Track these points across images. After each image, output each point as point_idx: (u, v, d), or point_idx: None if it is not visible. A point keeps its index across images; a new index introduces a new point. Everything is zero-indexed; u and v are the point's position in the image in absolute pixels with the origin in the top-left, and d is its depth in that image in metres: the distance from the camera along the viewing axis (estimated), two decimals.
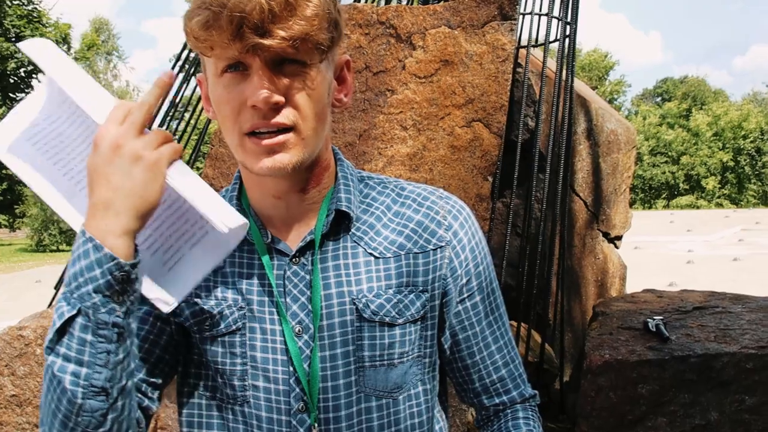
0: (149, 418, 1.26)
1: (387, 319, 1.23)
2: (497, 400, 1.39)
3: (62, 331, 1.01)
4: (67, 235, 32.56)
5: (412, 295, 1.25)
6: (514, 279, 4.06)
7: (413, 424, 1.28)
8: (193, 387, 1.30)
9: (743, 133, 49.72)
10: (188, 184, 1.06)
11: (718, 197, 50.08)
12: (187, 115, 5.42)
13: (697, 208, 47.05)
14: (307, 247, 1.24)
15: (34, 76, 27.66)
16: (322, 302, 1.22)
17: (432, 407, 1.33)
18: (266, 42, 1.04)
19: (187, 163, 5.50)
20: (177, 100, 5.27)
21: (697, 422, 3.09)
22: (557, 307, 4.15)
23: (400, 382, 1.26)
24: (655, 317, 3.47)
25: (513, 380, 1.39)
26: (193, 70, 5.20)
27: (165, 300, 1.15)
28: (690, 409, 3.10)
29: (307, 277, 1.23)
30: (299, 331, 1.22)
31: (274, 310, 1.23)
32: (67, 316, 1.00)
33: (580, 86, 5.07)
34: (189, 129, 5.36)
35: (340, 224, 1.26)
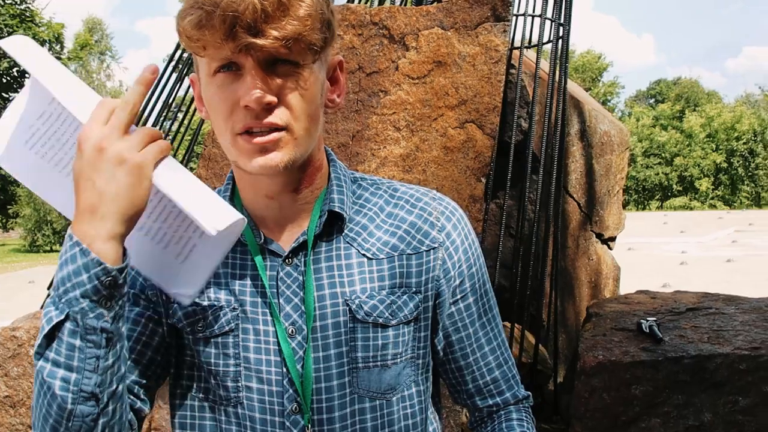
0: (141, 420, 1.26)
1: (380, 320, 1.23)
2: (491, 402, 1.39)
3: (51, 336, 1.00)
4: (61, 236, 32.49)
5: (405, 296, 1.25)
6: (507, 280, 4.06)
7: (407, 425, 1.28)
8: (186, 388, 1.30)
9: (736, 134, 49.87)
10: (175, 185, 1.04)
11: (712, 198, 50.22)
12: (180, 116, 5.41)
13: (691, 209, 47.15)
14: (300, 248, 1.24)
15: (27, 75, 27.55)
16: (315, 303, 1.22)
17: (425, 408, 1.33)
18: (259, 42, 1.04)
19: (181, 163, 5.49)
20: (170, 100, 5.26)
21: (691, 423, 3.09)
22: (551, 308, 4.15)
23: (393, 383, 1.26)
24: (648, 318, 3.48)
25: (506, 381, 1.39)
26: (186, 70, 5.19)
27: (184, 293, 1.13)
28: (683, 410, 3.10)
29: (300, 278, 1.23)
30: (292, 332, 1.21)
31: (267, 311, 1.22)
32: (55, 321, 1.00)
33: (574, 88, 5.07)
34: (182, 129, 5.34)
35: (333, 225, 1.26)
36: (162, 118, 5.29)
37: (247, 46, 1.04)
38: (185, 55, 5.20)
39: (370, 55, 3.78)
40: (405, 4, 4.71)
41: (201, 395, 1.28)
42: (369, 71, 3.77)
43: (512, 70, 4.08)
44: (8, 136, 1.09)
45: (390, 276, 1.25)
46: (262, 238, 1.24)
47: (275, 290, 1.23)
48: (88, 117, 1.03)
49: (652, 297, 4.15)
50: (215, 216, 1.02)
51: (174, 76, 5.24)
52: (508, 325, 3.83)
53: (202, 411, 1.28)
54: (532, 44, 4.31)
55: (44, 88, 1.06)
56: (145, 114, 5.20)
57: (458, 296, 1.32)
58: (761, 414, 3.04)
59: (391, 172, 3.63)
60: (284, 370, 1.21)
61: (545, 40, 4.17)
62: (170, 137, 5.42)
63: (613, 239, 5.12)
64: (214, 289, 1.24)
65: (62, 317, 0.99)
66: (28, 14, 27.11)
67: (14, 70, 27.12)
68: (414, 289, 1.26)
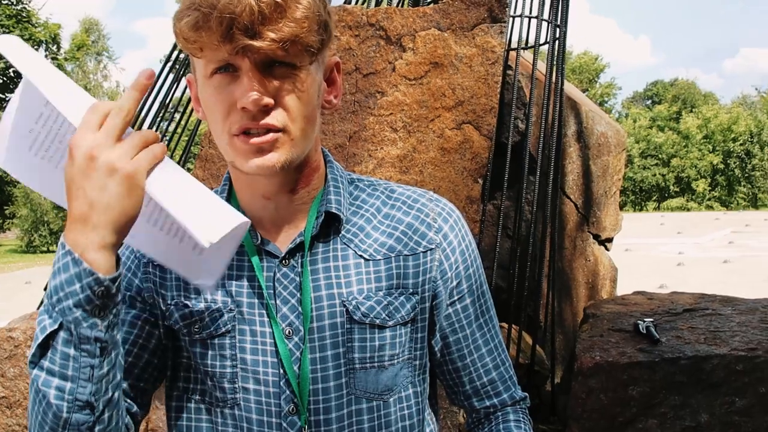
0: (138, 423, 1.26)
1: (377, 322, 1.23)
2: (488, 403, 1.39)
3: (45, 345, 1.00)
4: (58, 236, 32.45)
5: (402, 298, 1.25)
6: (504, 281, 4.06)
7: (404, 426, 1.28)
8: (183, 390, 1.30)
9: (733, 135, 49.88)
10: (169, 194, 1.01)
11: (709, 200, 50.24)
12: (177, 116, 5.41)
13: (688, 210, 47.19)
14: (297, 249, 1.24)
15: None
16: (312, 304, 1.22)
17: (422, 409, 1.32)
18: (256, 44, 1.04)
19: (178, 164, 5.49)
20: (167, 101, 5.26)
21: (687, 424, 3.09)
22: (548, 309, 4.15)
23: (390, 384, 1.26)
24: (645, 319, 3.48)
25: (503, 383, 1.39)
26: (183, 70, 5.19)
27: (206, 282, 1.12)
28: (680, 411, 3.11)
29: (297, 278, 1.23)
30: (289, 332, 1.21)
31: (264, 312, 1.22)
32: (49, 330, 0.99)
33: (571, 89, 5.08)
34: (179, 130, 5.34)
35: (330, 226, 1.26)
36: (159, 119, 5.29)
37: (244, 48, 1.04)
38: (182, 55, 5.21)
39: (366, 56, 3.78)
40: (402, 5, 4.72)
41: (197, 397, 1.28)
42: (366, 72, 3.77)
43: (509, 72, 4.08)
44: (9, 140, 1.08)
45: (387, 277, 1.25)
46: (259, 239, 1.24)
47: (272, 291, 1.23)
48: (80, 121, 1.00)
49: (649, 298, 4.15)
50: (209, 227, 0.99)
51: (171, 76, 5.24)
52: (506, 325, 3.83)
53: (198, 413, 1.28)
54: (529, 45, 4.32)
55: (38, 90, 1.04)
56: (142, 114, 5.20)
57: (455, 297, 1.32)
58: (758, 415, 3.04)
59: (388, 173, 3.63)
60: (281, 371, 1.21)
61: (542, 41, 4.18)
62: (167, 138, 5.42)
63: (610, 240, 5.12)
64: (211, 291, 1.24)
65: (56, 326, 0.98)
66: (24, 15, 27.08)
67: (11, 70, 27.07)
68: (411, 291, 1.26)
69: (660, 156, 51.26)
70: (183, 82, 5.17)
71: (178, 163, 5.17)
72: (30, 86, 1.05)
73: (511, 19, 4.16)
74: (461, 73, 3.67)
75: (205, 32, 1.04)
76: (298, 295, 1.22)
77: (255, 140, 1.10)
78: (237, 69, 1.09)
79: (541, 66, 4.36)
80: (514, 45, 4.21)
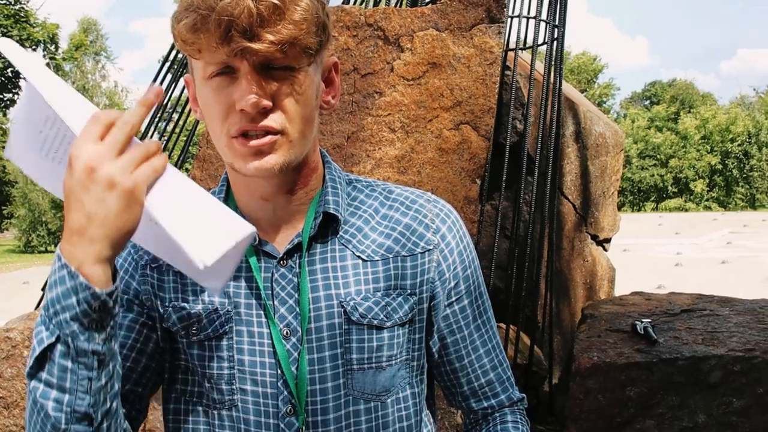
0: (137, 429, 1.26)
1: (375, 322, 1.23)
2: (485, 404, 1.39)
3: (42, 357, 0.99)
4: (56, 236, 32.45)
5: (400, 298, 1.25)
6: (502, 281, 4.06)
7: (401, 427, 1.28)
8: (180, 392, 1.29)
9: (731, 136, 49.93)
10: (168, 211, 0.98)
11: (707, 200, 50.28)
12: (175, 116, 5.41)
13: (686, 210, 47.21)
14: (295, 250, 1.24)
15: (21, 76, 27.49)
16: (310, 305, 1.21)
17: (420, 410, 1.32)
18: (255, 46, 1.03)
19: (176, 165, 5.48)
20: (165, 101, 5.25)
21: (685, 424, 3.10)
22: (546, 310, 4.16)
23: (388, 385, 1.26)
24: (643, 320, 3.48)
25: (501, 383, 1.39)
26: (181, 70, 5.19)
27: (215, 285, 1.09)
28: (678, 412, 3.11)
29: (295, 279, 1.23)
30: (287, 333, 1.21)
31: (262, 312, 1.22)
32: (46, 343, 0.98)
33: (569, 89, 5.08)
34: (177, 130, 5.34)
35: (328, 227, 1.26)
36: (157, 119, 5.29)
37: (243, 50, 1.04)
38: (180, 55, 5.20)
39: (364, 57, 3.78)
40: (400, 6, 4.71)
41: (195, 399, 1.28)
42: (364, 72, 3.77)
43: (507, 72, 4.08)
44: (22, 140, 1.07)
45: (385, 278, 1.25)
46: (257, 239, 1.24)
47: (270, 292, 1.23)
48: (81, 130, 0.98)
49: (647, 298, 4.15)
50: (205, 249, 0.96)
51: (169, 76, 5.23)
52: (504, 326, 3.83)
53: (196, 415, 1.28)
54: (527, 46, 4.32)
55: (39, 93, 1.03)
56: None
57: (453, 298, 1.32)
58: (755, 415, 3.05)
59: (386, 173, 3.63)
60: (279, 371, 1.21)
61: (540, 41, 4.18)
62: (165, 138, 5.42)
63: (608, 241, 5.12)
64: (209, 292, 1.24)
65: (53, 339, 0.97)
66: (22, 14, 27.04)
67: (9, 70, 27.05)
68: (409, 291, 1.26)
69: (658, 156, 51.30)
70: (181, 82, 5.17)
71: (177, 163, 5.17)
72: (33, 89, 1.05)
73: (509, 19, 4.16)
74: (459, 73, 3.67)
75: (203, 34, 1.04)
76: (296, 295, 1.22)
77: (254, 143, 1.10)
78: (235, 71, 1.08)
79: (540, 66, 4.37)
80: (512, 45, 4.21)
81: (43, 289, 5.14)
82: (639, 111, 57.93)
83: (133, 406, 1.25)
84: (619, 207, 5.46)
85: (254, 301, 1.23)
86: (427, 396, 1.38)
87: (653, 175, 50.90)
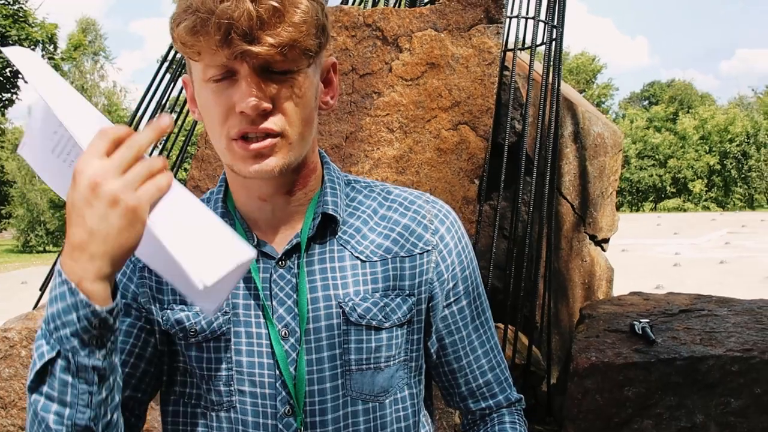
0: None
1: (373, 323, 1.23)
2: (483, 405, 1.39)
3: (43, 371, 0.99)
4: (54, 236, 32.45)
5: (398, 299, 1.25)
6: (501, 281, 4.06)
7: (399, 427, 1.28)
8: (179, 395, 1.29)
9: (729, 136, 49.98)
10: (170, 230, 0.98)
11: (705, 200, 50.33)
12: (173, 116, 5.40)
13: (684, 211, 47.26)
14: (294, 250, 1.24)
15: (20, 76, 27.45)
16: (309, 305, 1.21)
17: (418, 411, 1.32)
18: (255, 49, 1.03)
19: (174, 165, 5.48)
20: (164, 101, 5.25)
21: (683, 425, 3.10)
22: (544, 310, 4.16)
23: (386, 385, 1.26)
24: (641, 320, 3.48)
25: (499, 384, 1.39)
26: (179, 71, 5.18)
27: (209, 307, 1.08)
28: (676, 412, 3.11)
29: (294, 280, 1.23)
30: (285, 334, 1.21)
31: (260, 313, 1.22)
32: (47, 357, 0.98)
33: (567, 89, 5.08)
34: (176, 130, 5.34)
35: (327, 227, 1.26)
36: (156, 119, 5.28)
37: (243, 53, 1.04)
38: (178, 56, 5.20)
39: (363, 57, 3.78)
40: (398, 6, 4.71)
41: (193, 401, 1.28)
42: (362, 73, 3.77)
43: (506, 72, 4.08)
44: (36, 139, 1.07)
45: (383, 278, 1.25)
46: (255, 240, 1.24)
47: (268, 293, 1.23)
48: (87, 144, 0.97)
49: (645, 298, 4.15)
50: (205, 270, 0.96)
51: (167, 76, 5.23)
52: (502, 326, 3.83)
53: (194, 417, 1.28)
54: (525, 46, 4.32)
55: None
56: (138, 114, 5.20)
57: (451, 299, 1.32)
58: (753, 416, 3.05)
59: (384, 173, 3.63)
60: (277, 372, 1.21)
61: (539, 42, 4.18)
62: (164, 137, 5.41)
63: (606, 241, 5.12)
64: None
65: (53, 354, 0.97)
66: (21, 14, 26.97)
67: (7, 70, 27.00)
68: (407, 292, 1.26)
69: (657, 157, 51.34)
70: (179, 83, 5.17)
71: (175, 163, 5.17)
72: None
73: (507, 19, 4.16)
74: (458, 73, 3.67)
75: (203, 37, 1.04)
76: (295, 296, 1.22)
77: (254, 146, 1.10)
78: (235, 73, 1.08)
79: (538, 67, 4.37)
80: (510, 46, 4.21)
81: (41, 289, 5.14)
82: (638, 111, 57.98)
83: (132, 412, 1.25)
84: (618, 207, 5.46)
85: (252, 302, 1.22)
86: (425, 396, 1.38)
87: (652, 176, 50.95)
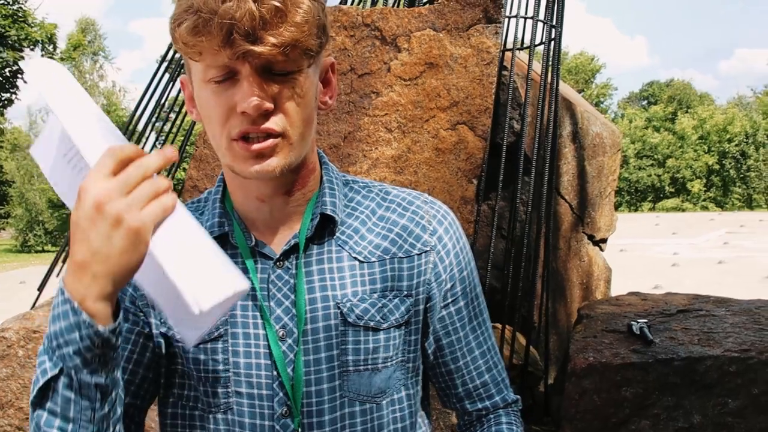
0: None
1: (371, 324, 1.23)
2: (480, 405, 1.39)
3: (46, 387, 0.99)
4: (53, 236, 32.44)
5: (396, 300, 1.25)
6: (499, 281, 4.06)
7: (396, 429, 1.28)
8: (177, 397, 1.29)
9: (728, 136, 49.94)
10: (171, 253, 0.97)
11: (704, 200, 50.30)
12: (172, 116, 5.41)
13: (683, 210, 47.22)
14: (292, 251, 1.24)
15: (19, 76, 27.44)
16: (307, 306, 1.21)
17: (415, 412, 1.33)
18: (257, 49, 1.03)
19: (173, 165, 5.48)
20: (162, 101, 5.25)
21: (681, 425, 3.10)
22: (542, 310, 4.16)
23: (383, 386, 1.26)
24: (639, 320, 3.48)
25: (496, 385, 1.39)
26: (178, 71, 5.18)
27: (190, 336, 1.07)
28: (673, 412, 3.11)
29: (292, 280, 1.23)
30: (283, 335, 1.21)
31: (258, 314, 1.22)
32: (50, 374, 0.98)
33: (566, 89, 5.09)
34: (174, 130, 5.34)
35: (325, 228, 1.26)
36: (154, 119, 5.28)
37: (245, 53, 1.04)
38: (177, 55, 5.20)
39: (361, 57, 3.78)
40: (397, 6, 4.72)
41: (191, 404, 1.27)
42: (361, 72, 3.77)
43: (504, 72, 4.09)
44: (49, 140, 1.07)
45: (381, 279, 1.25)
46: (253, 240, 1.24)
47: (266, 293, 1.23)
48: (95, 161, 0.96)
49: (643, 299, 4.15)
50: (202, 295, 0.95)
51: (166, 76, 5.23)
52: (499, 326, 3.83)
53: (192, 419, 1.27)
54: (524, 46, 4.32)
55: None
56: (137, 114, 5.20)
57: (449, 300, 1.32)
58: (750, 416, 3.05)
59: (382, 173, 3.63)
60: (274, 373, 1.20)
61: (537, 42, 4.19)
62: (163, 137, 5.41)
63: (604, 241, 5.13)
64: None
65: (56, 371, 0.97)
66: (20, 14, 26.95)
67: (6, 70, 27.00)
68: (405, 293, 1.26)
69: (655, 156, 51.31)
70: (178, 83, 5.17)
71: (174, 163, 5.16)
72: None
73: (506, 19, 4.16)
74: (456, 73, 3.67)
75: (204, 37, 1.04)
76: (293, 297, 1.22)
77: (256, 146, 1.10)
78: (236, 73, 1.08)
79: (537, 66, 4.37)
80: (509, 45, 4.21)
81: (39, 289, 5.13)
82: (636, 111, 57.90)
83: (132, 419, 1.25)
84: (616, 207, 5.47)
85: (250, 303, 1.22)
86: (422, 397, 1.38)
87: (650, 175, 50.91)
